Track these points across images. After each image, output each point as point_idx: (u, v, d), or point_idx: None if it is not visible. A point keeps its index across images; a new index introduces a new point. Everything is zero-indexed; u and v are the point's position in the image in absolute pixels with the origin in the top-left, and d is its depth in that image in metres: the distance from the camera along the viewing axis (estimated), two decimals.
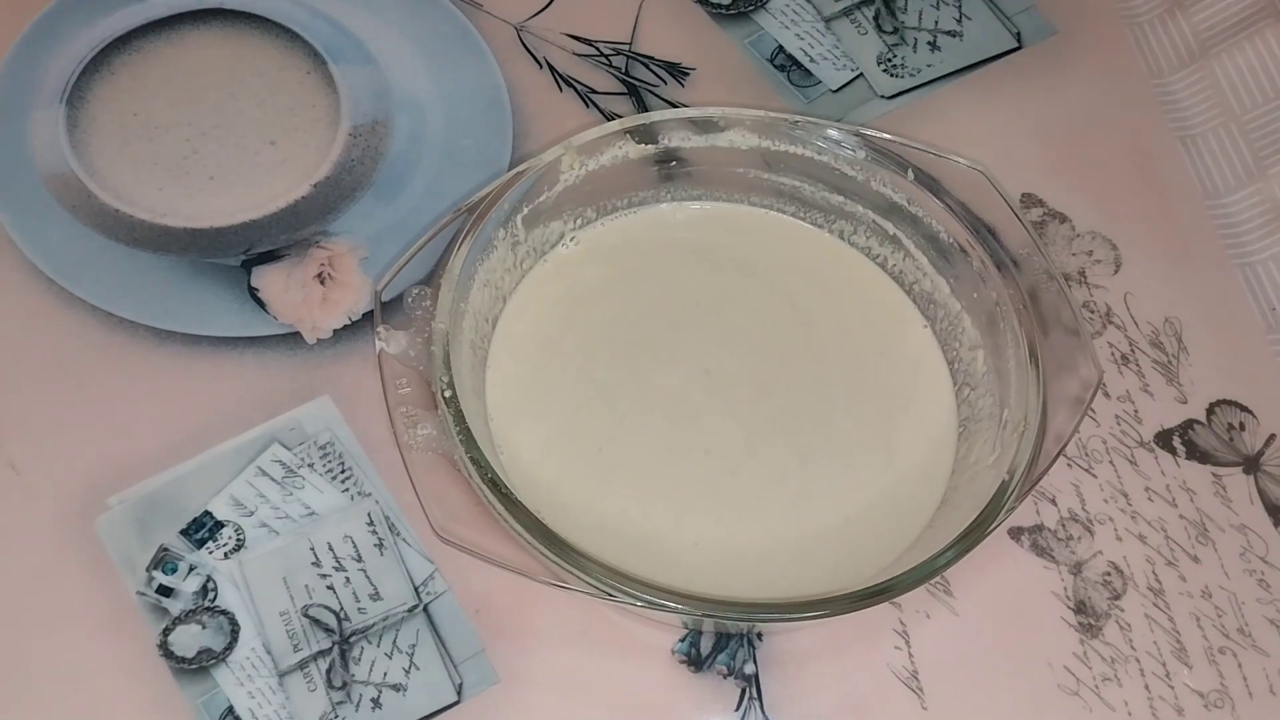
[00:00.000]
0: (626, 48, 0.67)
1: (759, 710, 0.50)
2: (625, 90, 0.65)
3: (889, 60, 0.67)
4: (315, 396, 0.55)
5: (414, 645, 0.50)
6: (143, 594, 0.51)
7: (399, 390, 0.50)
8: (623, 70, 0.66)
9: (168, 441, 0.54)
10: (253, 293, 0.58)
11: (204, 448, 0.54)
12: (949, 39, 0.68)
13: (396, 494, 0.53)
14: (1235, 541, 0.55)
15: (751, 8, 0.68)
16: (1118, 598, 0.53)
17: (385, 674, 0.50)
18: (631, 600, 0.44)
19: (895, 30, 0.68)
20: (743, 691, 0.51)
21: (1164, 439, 0.57)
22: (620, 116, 0.57)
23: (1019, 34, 0.68)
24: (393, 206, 0.61)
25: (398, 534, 0.53)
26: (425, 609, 0.51)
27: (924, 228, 0.54)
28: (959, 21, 0.68)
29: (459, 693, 0.50)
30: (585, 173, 0.54)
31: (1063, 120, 0.66)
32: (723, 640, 0.52)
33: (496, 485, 0.46)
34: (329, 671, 0.50)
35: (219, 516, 0.52)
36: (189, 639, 0.50)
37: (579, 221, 0.57)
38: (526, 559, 0.46)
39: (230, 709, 0.49)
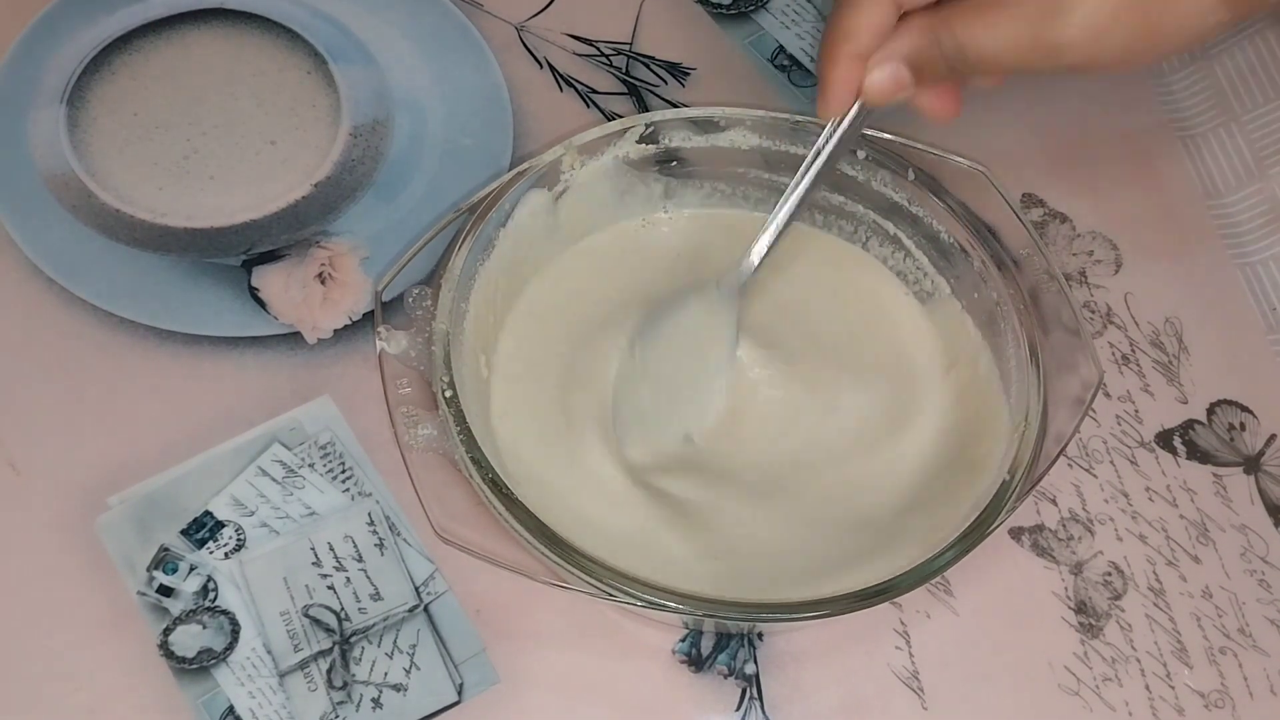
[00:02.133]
0: (627, 48, 0.67)
1: (759, 710, 0.50)
2: (626, 90, 0.65)
3: None
4: (316, 396, 0.55)
5: (414, 645, 0.50)
6: (143, 594, 0.51)
7: (400, 390, 0.50)
8: (623, 70, 0.66)
9: (168, 441, 0.54)
10: (253, 293, 0.58)
11: (204, 447, 0.54)
12: None
13: (397, 494, 0.53)
14: (1236, 541, 0.55)
15: (752, 8, 0.68)
16: (1118, 598, 0.53)
17: (386, 674, 0.50)
18: (632, 600, 0.44)
19: None
20: (743, 691, 0.51)
21: (1164, 439, 0.57)
22: (620, 116, 0.57)
23: None
24: (393, 206, 0.61)
25: (398, 534, 0.53)
26: (426, 609, 0.51)
27: (924, 228, 0.54)
28: None
29: (460, 693, 0.50)
30: (586, 172, 0.54)
31: (1063, 120, 0.65)
32: (723, 640, 0.52)
33: (497, 485, 0.46)
34: (329, 671, 0.50)
35: (219, 516, 0.52)
36: (189, 639, 0.50)
37: (580, 221, 0.57)
38: (527, 559, 0.46)
39: (231, 709, 0.49)
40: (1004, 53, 0.42)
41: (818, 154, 0.47)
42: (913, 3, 0.42)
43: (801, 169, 0.48)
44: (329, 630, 0.50)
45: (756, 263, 0.49)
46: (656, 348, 0.52)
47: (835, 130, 0.46)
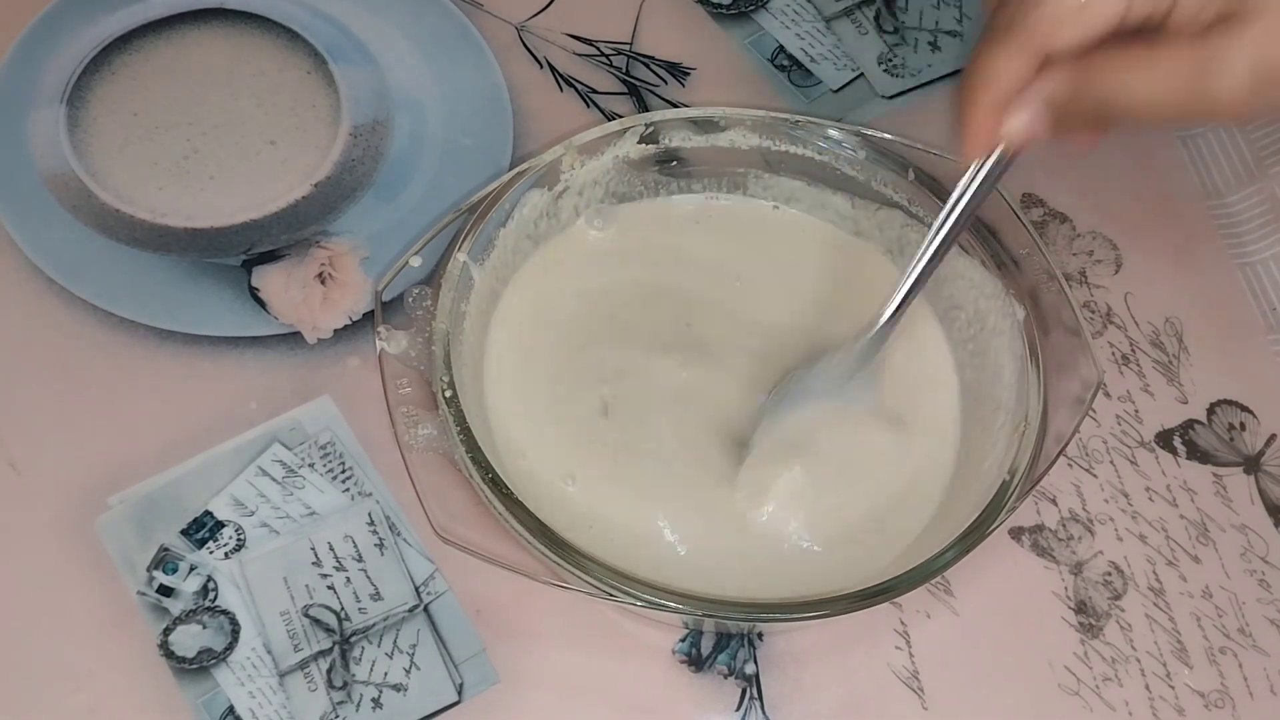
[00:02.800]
0: (627, 47, 0.67)
1: (759, 710, 0.50)
2: (626, 90, 0.65)
3: (889, 60, 0.67)
4: (316, 396, 0.55)
5: (415, 645, 0.50)
6: (143, 594, 0.51)
7: (399, 390, 0.50)
8: (623, 70, 0.66)
9: (168, 441, 0.54)
10: (253, 292, 0.58)
11: (204, 447, 0.54)
12: (950, 39, 0.68)
13: (397, 494, 0.53)
14: (1236, 541, 0.55)
15: (752, 7, 0.68)
16: (1118, 598, 0.53)
17: (386, 674, 0.50)
18: (632, 600, 0.44)
19: (896, 30, 0.68)
20: (743, 691, 0.51)
21: (1164, 439, 0.57)
22: (621, 116, 0.57)
23: None
24: (393, 206, 0.61)
25: (398, 534, 0.53)
26: (426, 609, 0.51)
27: (924, 228, 0.54)
28: (959, 21, 0.68)
29: (460, 693, 0.50)
30: (586, 172, 0.54)
31: None
32: (723, 640, 0.52)
33: (497, 485, 0.46)
34: (330, 671, 0.50)
35: (219, 516, 0.52)
36: (189, 639, 0.50)
37: (581, 221, 0.57)
38: (527, 559, 0.46)
39: (231, 709, 0.49)
40: (1156, 105, 0.40)
41: (960, 197, 0.45)
42: (1058, 50, 0.41)
43: (941, 215, 0.45)
44: (329, 630, 0.50)
45: (890, 314, 0.47)
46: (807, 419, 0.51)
47: (978, 172, 0.44)
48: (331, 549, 0.52)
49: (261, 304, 0.58)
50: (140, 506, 0.53)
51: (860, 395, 0.51)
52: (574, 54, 0.66)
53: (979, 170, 0.43)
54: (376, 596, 0.51)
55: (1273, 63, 0.38)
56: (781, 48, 0.67)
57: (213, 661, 0.50)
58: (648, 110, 0.64)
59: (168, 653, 0.50)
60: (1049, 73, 0.41)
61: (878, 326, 0.47)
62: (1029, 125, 0.42)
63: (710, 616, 0.45)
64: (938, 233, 0.45)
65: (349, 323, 0.58)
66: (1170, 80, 0.39)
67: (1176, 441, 0.57)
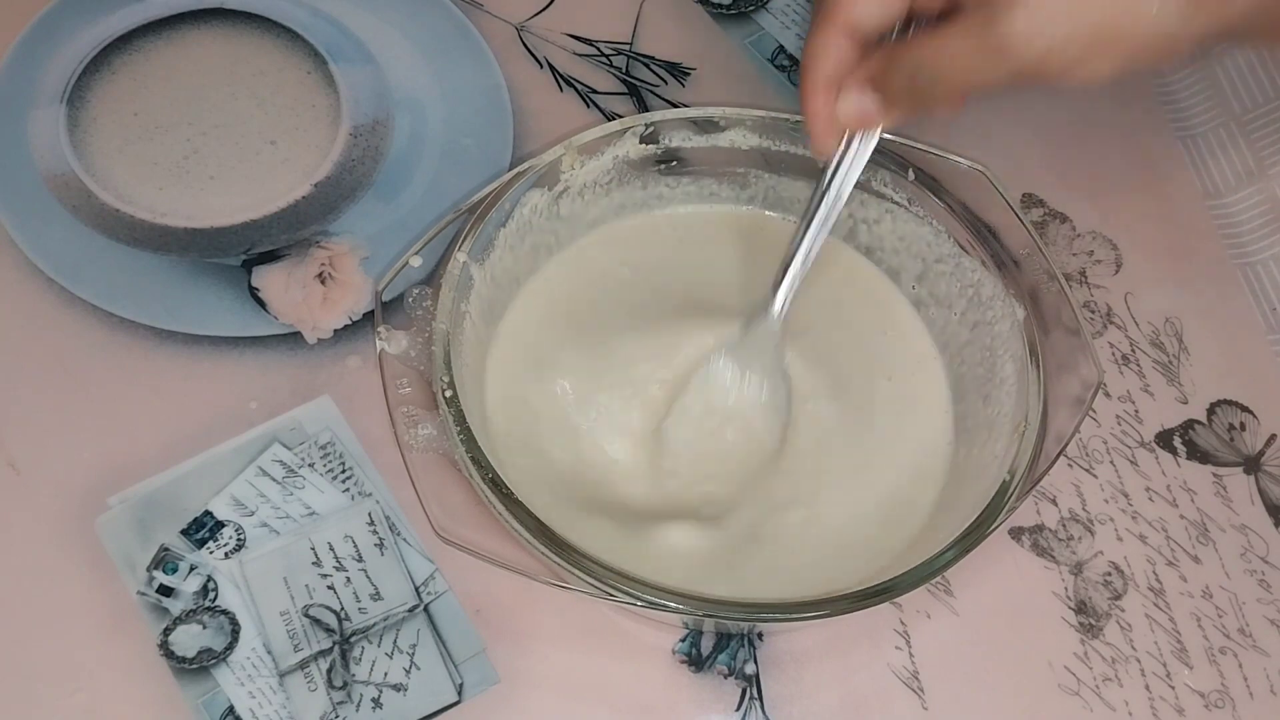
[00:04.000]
0: (627, 47, 0.67)
1: (759, 710, 0.50)
2: (626, 90, 0.65)
3: None
4: (316, 396, 0.55)
5: (414, 645, 0.50)
6: (143, 594, 0.51)
7: (399, 390, 0.50)
8: (623, 70, 0.66)
9: (168, 441, 0.54)
10: (253, 292, 0.58)
11: (204, 447, 0.54)
12: None
13: (397, 494, 0.53)
14: (1236, 541, 0.55)
15: (752, 8, 0.68)
16: (1118, 598, 0.53)
17: (386, 674, 0.50)
18: (632, 600, 0.44)
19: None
20: (743, 691, 0.51)
21: (1165, 439, 0.57)
22: (621, 116, 0.57)
23: None
24: (393, 206, 0.61)
25: (398, 534, 0.53)
26: (426, 609, 0.51)
27: (925, 228, 0.54)
28: None
29: (459, 693, 0.50)
30: (586, 172, 0.54)
31: (1063, 120, 0.66)
32: (723, 640, 0.52)
33: (497, 485, 0.46)
34: (329, 671, 0.50)
35: (219, 516, 0.52)
36: (189, 639, 0.50)
37: (580, 221, 0.57)
38: (527, 559, 0.46)
39: (231, 709, 0.49)
40: (953, 63, 0.43)
41: (826, 191, 0.48)
42: (867, 28, 0.45)
43: (811, 207, 0.48)
44: (329, 630, 0.50)
45: (783, 303, 0.50)
46: (712, 390, 0.52)
47: (837, 166, 0.47)
48: (331, 549, 0.52)
49: (261, 304, 0.58)
50: (140, 506, 0.53)
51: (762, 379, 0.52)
52: (574, 54, 0.66)
53: (839, 161, 0.47)
54: (376, 596, 0.51)
55: (1050, 3, 0.40)
56: (781, 48, 0.67)
57: (213, 661, 0.50)
58: (648, 110, 0.64)
59: (168, 653, 0.50)
60: (871, 53, 0.45)
61: (769, 319, 0.50)
62: (855, 105, 0.45)
63: (710, 616, 0.45)
64: (808, 223, 0.48)
65: (349, 323, 0.58)
66: (964, 35, 0.42)
67: (1176, 441, 0.57)
